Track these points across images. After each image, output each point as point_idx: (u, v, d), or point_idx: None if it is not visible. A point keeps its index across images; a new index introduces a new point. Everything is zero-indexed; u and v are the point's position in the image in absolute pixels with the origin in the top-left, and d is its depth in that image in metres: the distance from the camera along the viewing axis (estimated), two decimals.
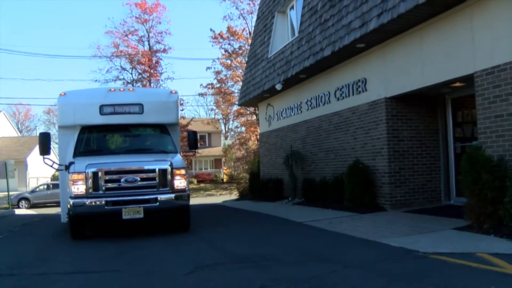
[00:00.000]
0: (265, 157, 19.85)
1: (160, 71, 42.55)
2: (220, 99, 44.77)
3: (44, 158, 9.86)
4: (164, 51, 42.72)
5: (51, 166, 10.18)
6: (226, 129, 62.54)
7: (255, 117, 39.90)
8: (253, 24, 39.15)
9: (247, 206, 15.93)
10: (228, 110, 45.76)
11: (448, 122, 11.37)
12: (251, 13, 39.36)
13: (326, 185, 13.25)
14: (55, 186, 33.76)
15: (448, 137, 11.40)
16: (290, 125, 16.96)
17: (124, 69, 42.13)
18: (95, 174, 8.78)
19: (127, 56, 41.34)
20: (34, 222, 14.36)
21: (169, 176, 9.07)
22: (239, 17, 40.20)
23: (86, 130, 10.32)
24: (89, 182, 8.74)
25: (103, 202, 8.74)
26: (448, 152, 11.39)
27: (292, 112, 16.75)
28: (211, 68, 41.68)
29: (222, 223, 11.68)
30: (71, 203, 8.78)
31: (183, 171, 9.28)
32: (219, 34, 39.69)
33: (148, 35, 42.57)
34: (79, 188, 8.76)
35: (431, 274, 5.54)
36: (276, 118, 18.34)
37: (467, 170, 7.89)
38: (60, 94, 10.43)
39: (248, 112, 40.42)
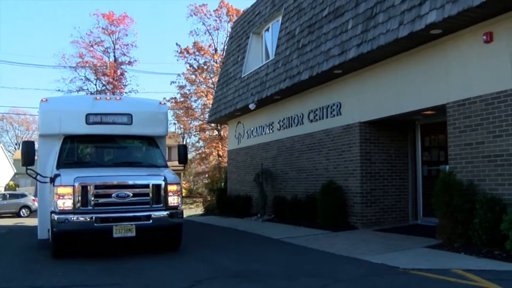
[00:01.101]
0: (233, 173, 20.08)
1: (124, 83, 42.49)
2: (181, 113, 44.76)
3: (27, 169, 9.27)
4: (130, 63, 42.86)
5: (35, 178, 9.62)
6: (184, 143, 62.32)
7: (216, 133, 40.13)
8: (219, 41, 39.92)
9: (218, 222, 16.09)
10: (191, 125, 45.74)
11: (417, 147, 12.04)
12: (217, 30, 39.96)
13: (299, 203, 13.61)
14: (12, 196, 32.84)
15: (416, 160, 12.05)
16: (261, 144, 17.26)
17: (88, 79, 41.83)
18: (84, 188, 8.23)
19: (92, 66, 40.97)
20: (2, 234, 14.02)
21: (162, 192, 8.69)
22: (205, 33, 40.58)
23: (69, 140, 9.77)
24: (77, 197, 8.16)
25: (93, 219, 8.16)
26: (417, 175, 12.04)
27: (264, 131, 17.06)
28: (175, 82, 41.82)
29: (203, 239, 11.73)
30: (56, 218, 8.14)
31: (177, 187, 8.97)
32: (185, 49, 39.87)
33: (114, 47, 42.54)
34: (66, 202, 8.15)
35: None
36: (246, 136, 18.60)
37: (440, 194, 8.54)
38: (42, 100, 9.91)
39: (209, 128, 40.59)
